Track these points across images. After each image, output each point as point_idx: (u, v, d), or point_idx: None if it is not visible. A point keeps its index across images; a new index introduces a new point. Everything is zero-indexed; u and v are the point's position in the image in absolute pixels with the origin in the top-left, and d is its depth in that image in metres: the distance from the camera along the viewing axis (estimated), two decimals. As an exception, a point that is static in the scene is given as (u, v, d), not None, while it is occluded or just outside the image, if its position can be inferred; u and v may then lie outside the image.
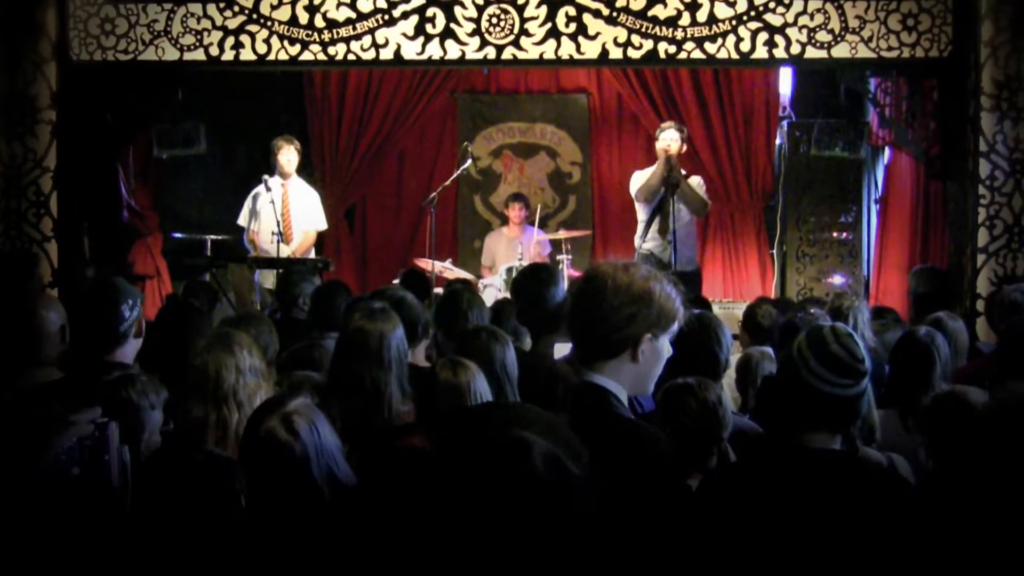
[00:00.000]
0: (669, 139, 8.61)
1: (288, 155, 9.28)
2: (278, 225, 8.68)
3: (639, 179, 8.85)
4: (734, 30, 7.74)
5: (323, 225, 9.62)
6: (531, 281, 5.20)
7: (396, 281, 7.73)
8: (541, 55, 7.88)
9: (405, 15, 7.90)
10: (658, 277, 2.87)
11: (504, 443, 1.77)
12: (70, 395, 3.55)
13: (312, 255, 9.38)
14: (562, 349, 4.78)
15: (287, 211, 9.19)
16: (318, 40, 7.94)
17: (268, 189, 8.90)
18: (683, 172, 8.77)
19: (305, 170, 10.49)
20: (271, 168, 9.32)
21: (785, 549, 2.61)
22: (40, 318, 4.23)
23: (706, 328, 4.46)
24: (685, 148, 8.82)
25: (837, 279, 10.15)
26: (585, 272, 2.96)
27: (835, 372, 2.70)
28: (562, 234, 10.15)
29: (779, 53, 7.76)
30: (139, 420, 3.49)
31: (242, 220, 9.35)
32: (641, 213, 8.87)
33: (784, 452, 2.77)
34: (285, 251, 8.78)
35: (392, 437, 3.58)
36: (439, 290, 7.69)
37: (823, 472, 2.69)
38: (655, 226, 8.59)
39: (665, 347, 2.87)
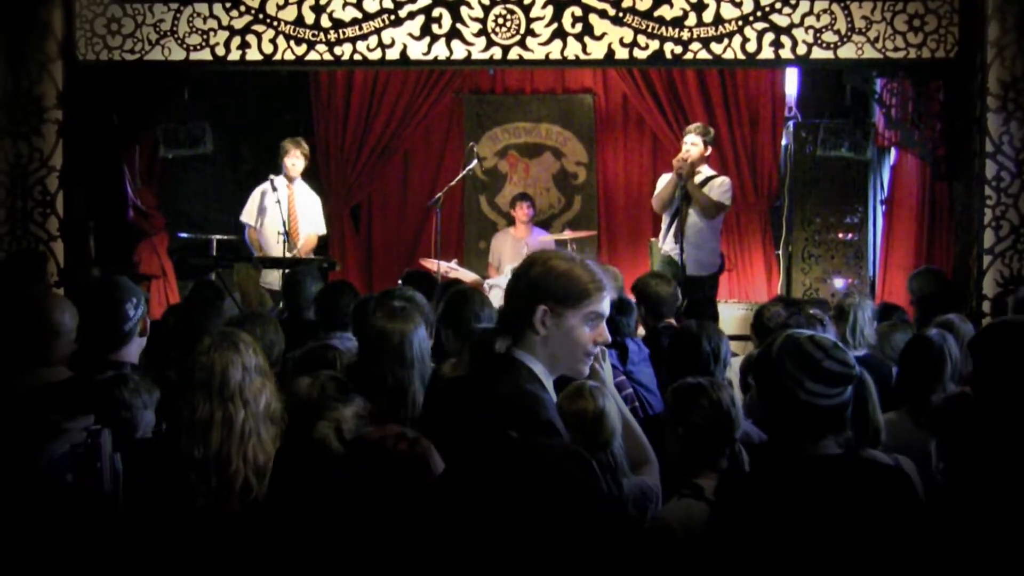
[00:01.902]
0: (688, 144, 8.58)
1: (294, 159, 9.28)
2: (284, 225, 8.68)
3: (657, 188, 8.86)
4: (740, 31, 7.73)
5: (323, 230, 9.65)
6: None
7: (399, 282, 7.73)
8: (547, 55, 7.87)
9: (411, 15, 7.89)
10: (574, 260, 2.94)
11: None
12: (71, 395, 3.55)
13: (311, 255, 9.37)
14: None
15: (293, 214, 9.19)
16: (324, 40, 7.94)
17: (274, 189, 8.91)
18: (713, 172, 8.77)
19: (310, 170, 10.52)
20: (277, 168, 9.31)
21: (798, 557, 2.60)
22: (53, 318, 4.25)
23: (703, 332, 4.50)
24: (710, 151, 8.77)
25: (838, 282, 10.14)
26: None
27: (832, 385, 2.73)
28: (567, 234, 10.15)
29: (785, 54, 7.75)
30: (132, 419, 3.49)
31: (245, 217, 9.35)
32: (664, 217, 8.82)
33: (790, 461, 2.76)
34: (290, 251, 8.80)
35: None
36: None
37: (830, 476, 2.69)
38: (672, 231, 8.54)
39: (578, 328, 2.90)
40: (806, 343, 2.75)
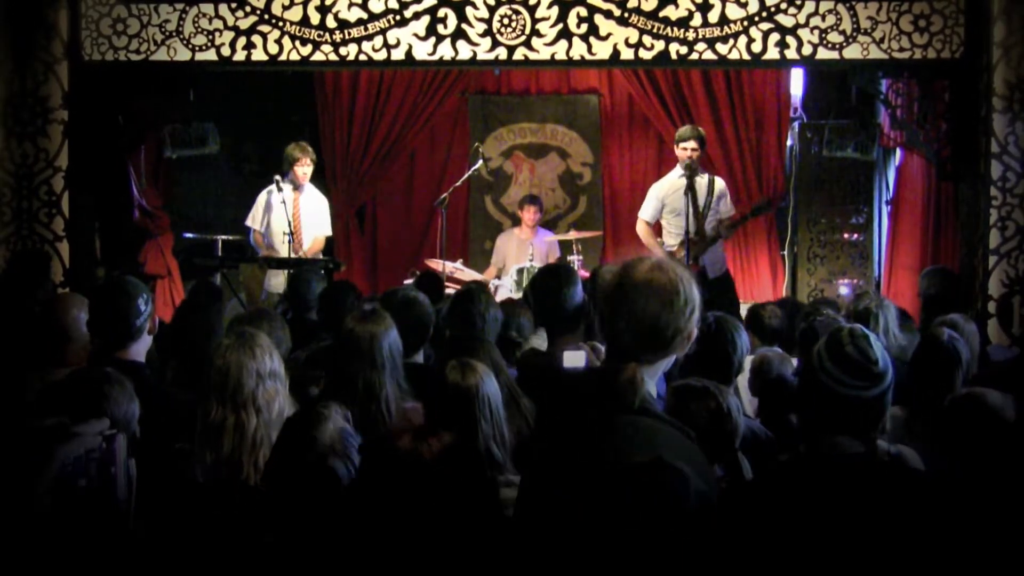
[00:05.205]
0: (689, 150, 8.60)
1: (304, 168, 9.21)
2: (289, 226, 8.68)
3: (663, 194, 8.88)
4: (745, 31, 7.72)
5: (330, 231, 9.63)
6: (550, 281, 5.18)
7: (408, 282, 7.72)
8: (552, 56, 7.87)
9: (417, 15, 7.89)
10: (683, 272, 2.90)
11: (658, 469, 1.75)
12: (62, 394, 3.54)
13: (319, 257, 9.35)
14: (571, 353, 4.68)
15: (297, 217, 9.16)
16: (329, 40, 7.94)
17: (280, 190, 8.90)
18: (706, 173, 8.92)
19: (316, 171, 10.52)
20: (283, 173, 9.26)
21: (802, 556, 2.58)
22: (68, 318, 4.26)
23: (722, 330, 4.46)
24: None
25: (843, 289, 10.11)
26: (624, 274, 2.73)
27: (848, 373, 2.67)
28: (572, 235, 10.14)
29: (791, 54, 7.75)
30: (122, 414, 3.48)
31: (251, 221, 9.33)
32: (669, 221, 8.83)
33: (805, 457, 2.74)
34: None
35: (386, 439, 3.58)
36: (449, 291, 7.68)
37: (844, 476, 2.64)
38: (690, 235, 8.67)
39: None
40: (845, 330, 2.75)
